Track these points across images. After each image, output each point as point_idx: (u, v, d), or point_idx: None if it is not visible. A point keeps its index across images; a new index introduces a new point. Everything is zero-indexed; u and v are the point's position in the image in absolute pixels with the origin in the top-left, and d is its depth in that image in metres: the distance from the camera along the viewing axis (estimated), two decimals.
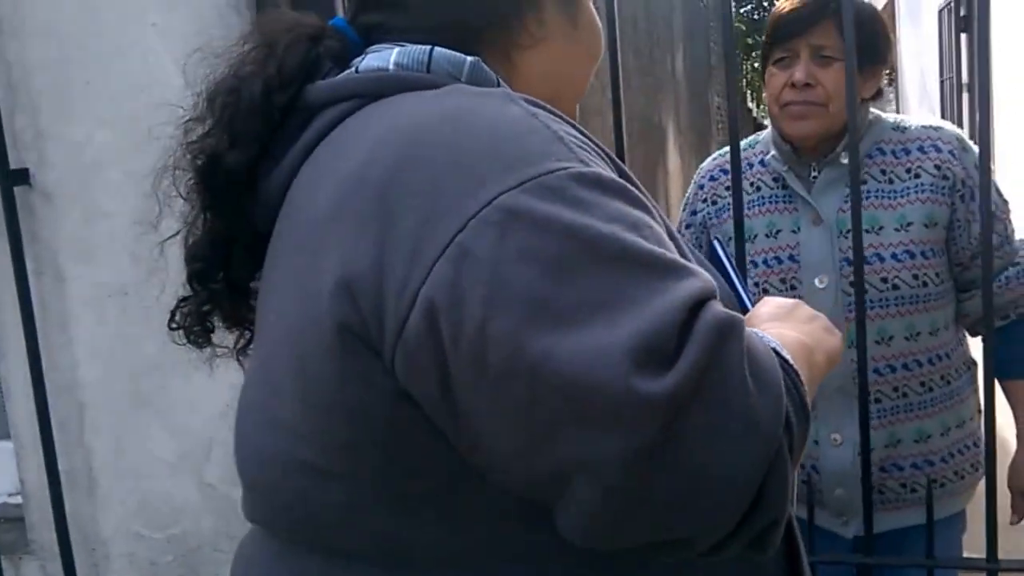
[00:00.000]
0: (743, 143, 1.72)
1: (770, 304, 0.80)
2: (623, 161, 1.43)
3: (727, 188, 1.61)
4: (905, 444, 1.53)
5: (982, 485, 1.43)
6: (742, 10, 17.98)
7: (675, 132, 6.46)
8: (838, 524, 1.57)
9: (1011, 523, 1.62)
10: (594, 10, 0.82)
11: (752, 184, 1.61)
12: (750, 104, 17.47)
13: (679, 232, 1.71)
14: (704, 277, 0.60)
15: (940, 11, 7.72)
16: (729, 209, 1.58)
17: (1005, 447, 1.86)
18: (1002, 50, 5.96)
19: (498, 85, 0.73)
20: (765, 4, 18.07)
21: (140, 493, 1.66)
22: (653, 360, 0.54)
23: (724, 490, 0.56)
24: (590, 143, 0.66)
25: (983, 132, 1.33)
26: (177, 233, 0.81)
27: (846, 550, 1.57)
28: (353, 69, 0.75)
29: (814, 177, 1.55)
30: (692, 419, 0.55)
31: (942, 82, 7.89)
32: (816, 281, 1.51)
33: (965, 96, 7.12)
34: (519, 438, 0.58)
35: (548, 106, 0.68)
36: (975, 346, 1.60)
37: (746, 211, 1.58)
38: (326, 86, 0.74)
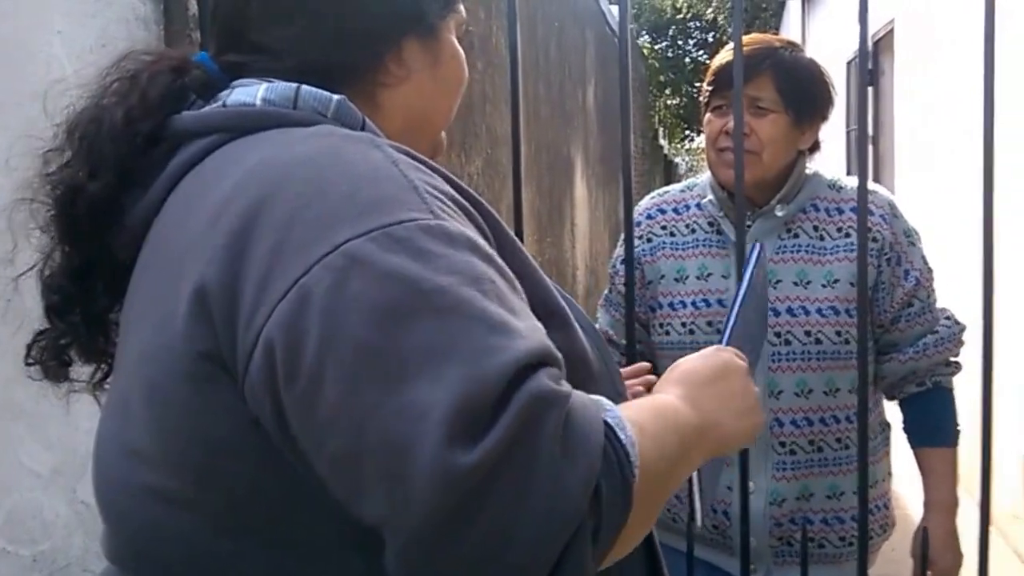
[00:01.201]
0: (682, 185, 1.75)
1: (691, 362, 0.84)
2: (520, 193, 1.40)
3: (662, 227, 1.65)
4: (817, 498, 1.55)
5: (886, 547, 1.47)
6: (656, 47, 18.36)
7: (583, 164, 6.50)
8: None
9: None
10: (455, 40, 0.84)
11: (688, 226, 1.63)
12: (662, 141, 17.79)
13: (613, 266, 1.72)
14: (537, 338, 0.61)
15: (848, 63, 7.94)
16: (663, 247, 1.64)
17: (909, 517, 1.88)
18: (905, 103, 6.10)
19: (363, 122, 0.76)
20: (680, 42, 18.54)
21: (7, 507, 1.59)
22: (466, 430, 0.56)
23: (517, 559, 0.56)
24: (446, 194, 0.68)
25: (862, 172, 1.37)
26: (34, 267, 0.80)
27: None
28: (220, 103, 0.76)
29: (749, 226, 1.56)
30: (495, 488, 0.56)
31: (848, 133, 8.13)
32: None
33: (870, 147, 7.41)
34: (340, 485, 0.61)
35: (412, 152, 0.70)
36: (890, 409, 1.63)
37: (680, 251, 1.62)
38: (192, 118, 0.75)
